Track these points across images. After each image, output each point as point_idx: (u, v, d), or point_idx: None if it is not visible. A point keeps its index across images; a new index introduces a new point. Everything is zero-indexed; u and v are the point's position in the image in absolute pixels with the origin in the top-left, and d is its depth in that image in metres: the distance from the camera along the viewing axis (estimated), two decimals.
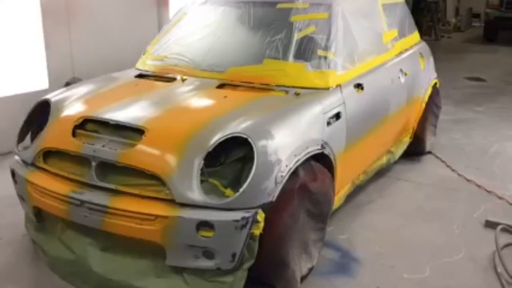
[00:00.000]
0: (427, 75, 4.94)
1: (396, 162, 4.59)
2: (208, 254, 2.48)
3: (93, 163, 2.66)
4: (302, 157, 2.73)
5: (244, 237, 2.44)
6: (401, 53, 4.45)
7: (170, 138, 2.65)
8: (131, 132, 2.73)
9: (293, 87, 3.19)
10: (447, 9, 16.31)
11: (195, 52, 3.67)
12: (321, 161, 2.97)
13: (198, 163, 2.51)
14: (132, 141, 2.67)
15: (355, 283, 3.00)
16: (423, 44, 5.16)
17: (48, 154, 2.92)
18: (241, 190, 2.45)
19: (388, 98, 4.00)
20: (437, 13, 14.59)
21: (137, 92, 3.24)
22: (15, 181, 3.08)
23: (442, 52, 11.05)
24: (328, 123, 3.06)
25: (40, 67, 5.20)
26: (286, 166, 2.60)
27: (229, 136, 2.57)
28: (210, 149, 2.54)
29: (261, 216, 2.46)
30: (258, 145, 2.54)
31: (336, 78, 3.31)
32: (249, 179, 2.46)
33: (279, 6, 3.66)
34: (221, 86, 3.28)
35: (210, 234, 2.43)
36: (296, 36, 3.41)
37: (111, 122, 2.79)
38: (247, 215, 2.43)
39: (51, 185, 2.78)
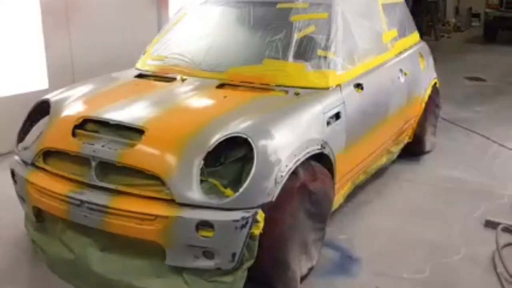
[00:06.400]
0: (427, 75, 4.94)
1: (396, 162, 4.59)
2: (208, 254, 2.48)
3: (93, 163, 2.66)
4: (302, 157, 2.73)
5: (244, 237, 2.44)
6: (401, 53, 4.45)
7: (170, 138, 2.66)
8: (131, 132, 2.73)
9: (293, 87, 3.19)
10: (447, 9, 16.31)
11: (195, 52, 3.67)
12: (321, 161, 2.97)
13: (198, 163, 2.51)
14: (132, 141, 2.67)
15: (355, 283, 3.00)
16: (423, 44, 5.16)
17: (48, 154, 2.92)
18: (241, 190, 2.45)
19: (388, 98, 4.00)
20: (437, 13, 14.59)
21: (137, 92, 3.24)
22: (15, 181, 3.08)
23: (442, 52, 11.05)
24: (328, 123, 3.06)
25: (40, 67, 5.20)
26: (286, 166, 2.60)
27: (229, 136, 2.57)
28: (210, 149, 2.54)
29: (261, 216, 2.46)
30: (258, 145, 2.54)
31: (336, 78, 3.31)
32: (249, 179, 2.46)
33: (279, 6, 3.66)
34: (221, 86, 3.28)
35: (210, 234, 2.43)
36: (296, 36, 3.41)
37: (111, 122, 2.79)
38: (247, 215, 2.43)
39: (51, 185, 2.77)
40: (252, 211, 2.45)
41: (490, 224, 3.60)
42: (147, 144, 2.63)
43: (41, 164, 2.92)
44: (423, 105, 4.79)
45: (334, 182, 3.15)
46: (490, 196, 4.13)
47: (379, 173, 4.35)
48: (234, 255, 2.46)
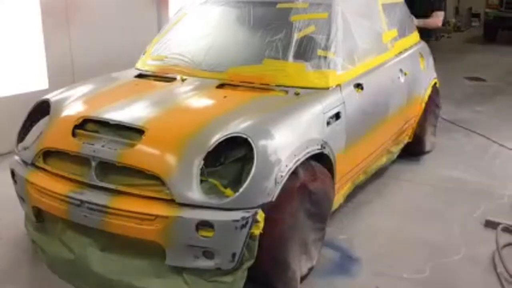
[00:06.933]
0: (427, 75, 4.94)
1: (395, 162, 4.59)
2: (208, 254, 2.48)
3: (93, 163, 2.66)
4: (302, 157, 2.72)
5: (244, 237, 2.44)
6: (400, 53, 4.45)
7: (170, 138, 2.66)
8: (131, 132, 2.73)
9: (293, 87, 3.19)
10: (447, 9, 16.30)
11: (195, 52, 3.67)
12: (321, 161, 2.97)
13: (198, 163, 2.51)
14: (132, 141, 2.67)
15: (355, 283, 3.00)
16: (423, 44, 5.16)
17: (48, 154, 2.92)
18: (241, 190, 2.45)
19: (388, 98, 4.00)
20: None
21: (137, 92, 3.24)
22: (15, 181, 3.08)
23: (442, 52, 11.04)
24: (328, 123, 3.06)
25: (40, 67, 5.20)
26: (286, 166, 2.60)
27: (229, 136, 2.57)
28: (210, 149, 2.54)
29: (261, 216, 2.46)
30: (258, 145, 2.54)
31: (336, 78, 3.31)
32: (249, 179, 2.46)
33: (279, 6, 3.66)
34: (221, 86, 3.28)
35: (210, 234, 2.43)
36: (296, 36, 3.41)
37: (111, 122, 2.79)
38: (246, 215, 2.43)
39: (51, 185, 2.77)
40: (252, 211, 2.45)
41: (490, 224, 3.60)
42: (147, 144, 2.63)
43: (41, 164, 2.92)
44: (423, 105, 4.79)
45: (334, 182, 3.15)
46: (490, 196, 4.13)
47: (379, 173, 4.35)
48: (234, 255, 2.46)
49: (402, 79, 4.24)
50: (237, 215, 2.42)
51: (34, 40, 5.12)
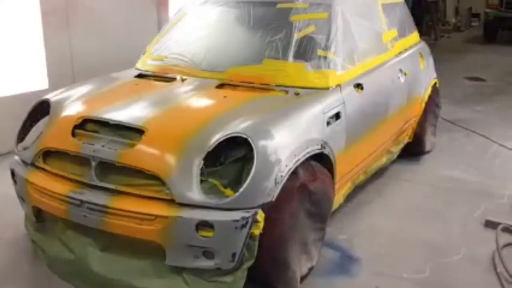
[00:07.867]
0: (426, 75, 4.94)
1: (396, 162, 4.59)
2: (208, 254, 2.48)
3: (93, 163, 2.66)
4: (302, 157, 2.73)
5: (244, 237, 2.44)
6: (400, 53, 4.45)
7: (170, 138, 2.66)
8: (131, 132, 2.73)
9: (293, 87, 3.19)
10: (447, 9, 16.31)
11: (195, 52, 3.67)
12: (321, 161, 2.97)
13: (198, 163, 2.51)
14: (132, 141, 2.67)
15: (355, 283, 3.00)
16: (423, 44, 5.16)
17: (48, 154, 2.92)
18: (241, 190, 2.45)
19: (388, 98, 4.00)
20: (437, 13, 14.59)
21: (137, 92, 3.24)
22: (14, 181, 3.08)
23: (442, 52, 11.05)
24: (328, 123, 3.06)
25: (40, 67, 5.20)
26: (286, 166, 2.60)
27: (229, 136, 2.57)
28: (210, 149, 2.54)
29: (261, 216, 2.46)
30: (258, 145, 2.54)
31: (336, 78, 3.31)
32: (249, 179, 2.46)
33: (279, 6, 3.66)
34: (220, 86, 3.28)
35: (210, 234, 2.43)
36: (296, 36, 3.41)
37: (111, 122, 2.79)
38: (246, 215, 2.43)
39: (51, 185, 2.77)
40: (252, 211, 2.45)
41: (490, 224, 3.60)
42: (147, 144, 2.63)
43: (41, 164, 2.92)
44: (423, 105, 4.80)
45: (334, 182, 3.15)
46: (490, 196, 4.13)
47: (379, 173, 4.35)
48: (234, 255, 2.46)
49: (402, 79, 4.24)
50: (237, 215, 2.42)
51: (34, 40, 5.12)
